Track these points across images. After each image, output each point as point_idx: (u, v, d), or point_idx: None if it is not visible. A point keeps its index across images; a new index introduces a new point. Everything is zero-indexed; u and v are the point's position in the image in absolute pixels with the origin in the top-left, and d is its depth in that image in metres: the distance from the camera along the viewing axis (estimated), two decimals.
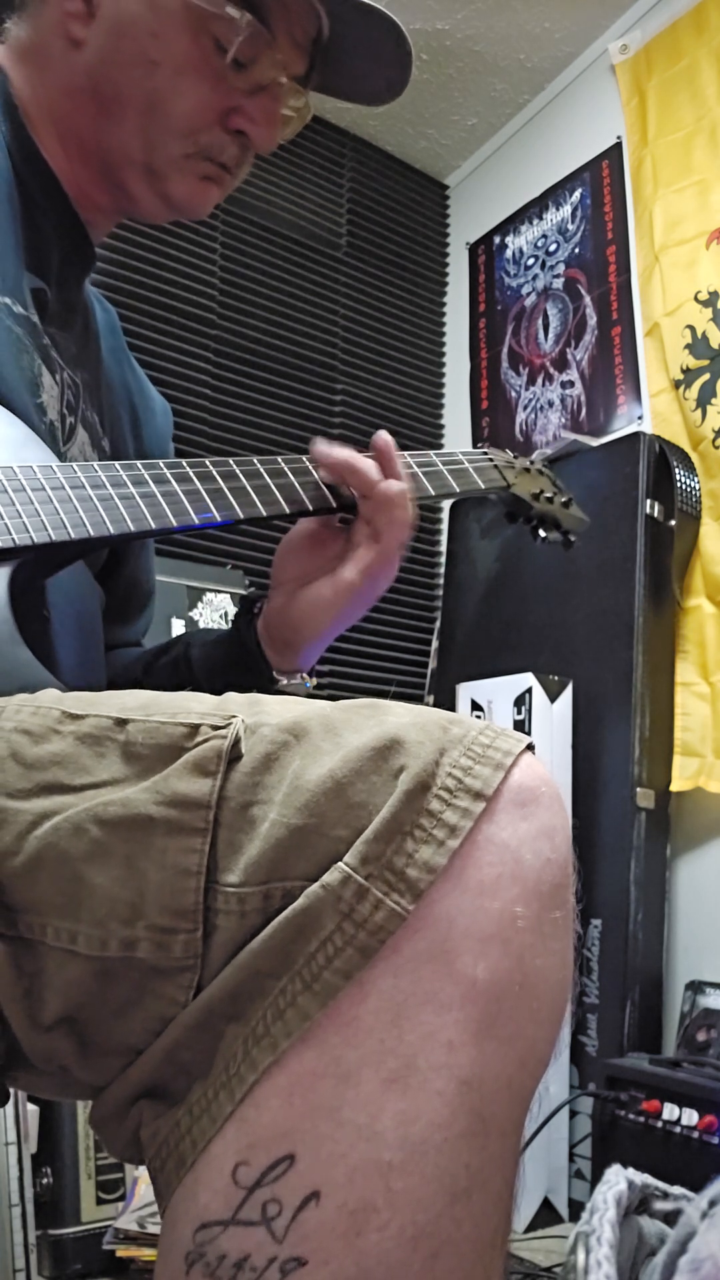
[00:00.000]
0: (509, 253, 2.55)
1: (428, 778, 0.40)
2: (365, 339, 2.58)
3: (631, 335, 2.15)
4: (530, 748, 0.44)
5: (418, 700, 2.37)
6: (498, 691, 1.77)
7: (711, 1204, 0.78)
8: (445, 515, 2.47)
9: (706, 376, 1.90)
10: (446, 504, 2.47)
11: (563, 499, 0.96)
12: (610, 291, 2.22)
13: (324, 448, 0.78)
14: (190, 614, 1.99)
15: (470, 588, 2.19)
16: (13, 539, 0.61)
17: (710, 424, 1.88)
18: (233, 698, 0.48)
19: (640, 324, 2.13)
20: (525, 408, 2.44)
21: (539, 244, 2.45)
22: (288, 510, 0.76)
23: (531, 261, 2.47)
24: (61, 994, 0.43)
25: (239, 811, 0.42)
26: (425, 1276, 0.37)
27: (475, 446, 1.78)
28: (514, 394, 2.48)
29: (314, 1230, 0.37)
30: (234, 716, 0.44)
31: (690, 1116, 1.31)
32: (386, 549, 0.77)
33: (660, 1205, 0.93)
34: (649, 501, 1.82)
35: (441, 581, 2.36)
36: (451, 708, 1.85)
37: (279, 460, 0.78)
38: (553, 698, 1.74)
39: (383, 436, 0.78)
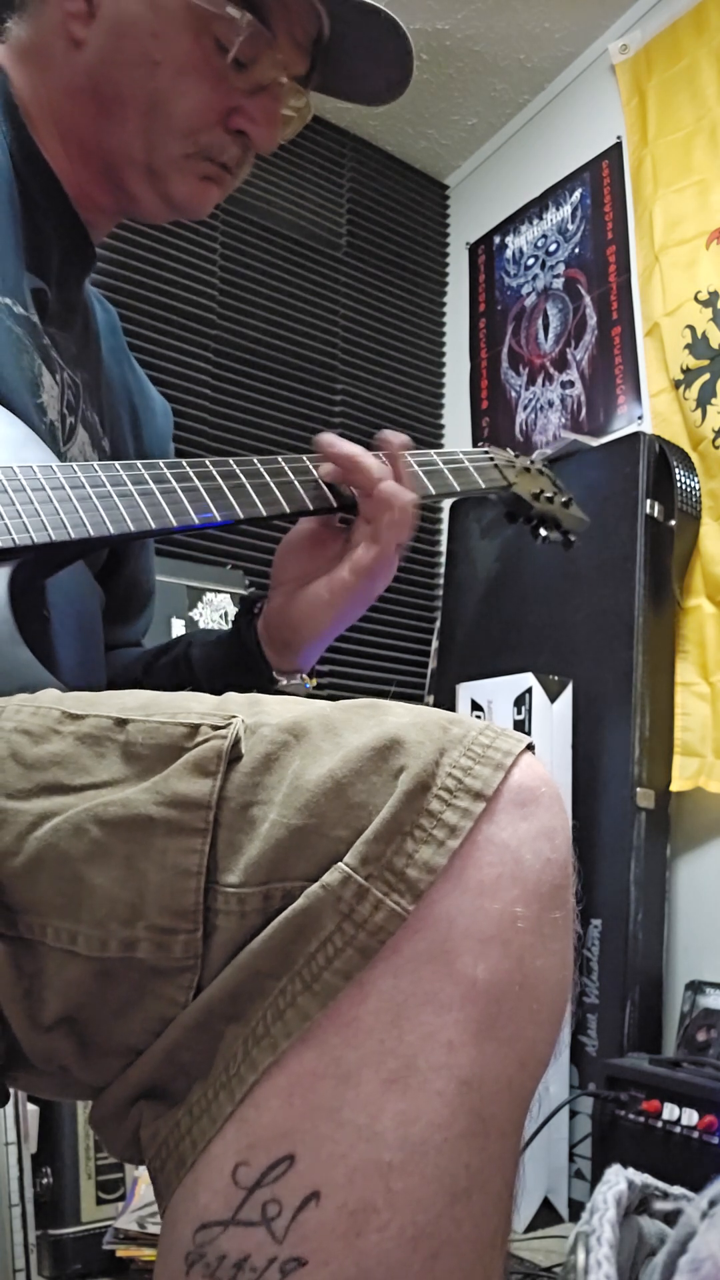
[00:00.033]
0: (509, 253, 2.55)
1: (428, 778, 0.40)
2: (365, 339, 2.58)
3: (631, 335, 2.15)
4: (530, 748, 0.44)
5: (418, 700, 2.37)
6: (498, 691, 1.77)
7: (711, 1204, 0.78)
8: (445, 515, 2.47)
9: (706, 376, 1.90)
10: (446, 504, 2.47)
11: (563, 499, 0.96)
12: (610, 291, 2.22)
13: (329, 438, 0.78)
14: (190, 614, 1.99)
15: (470, 588, 2.19)
16: (13, 539, 0.61)
17: (710, 424, 1.88)
18: (233, 698, 0.48)
19: (640, 324, 2.13)
20: (525, 408, 2.44)
21: (539, 244, 2.45)
22: (288, 510, 0.76)
23: (531, 261, 2.47)
24: (61, 994, 0.43)
25: (239, 812, 0.42)
26: (425, 1277, 0.37)
27: (475, 446, 1.78)
28: (514, 394, 2.48)
29: (314, 1230, 0.37)
30: (234, 716, 0.44)
31: (690, 1116, 1.31)
32: (385, 550, 0.77)
33: (660, 1205, 0.93)
34: (649, 501, 1.82)
35: (441, 581, 2.36)
36: (451, 708, 1.85)
37: (279, 460, 0.78)
38: (553, 698, 1.74)
39: (397, 437, 0.78)
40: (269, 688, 0.82)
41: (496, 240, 2.60)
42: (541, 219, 2.46)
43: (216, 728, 0.44)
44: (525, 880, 0.40)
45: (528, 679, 1.73)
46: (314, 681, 0.85)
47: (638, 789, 1.72)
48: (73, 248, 0.80)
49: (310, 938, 0.39)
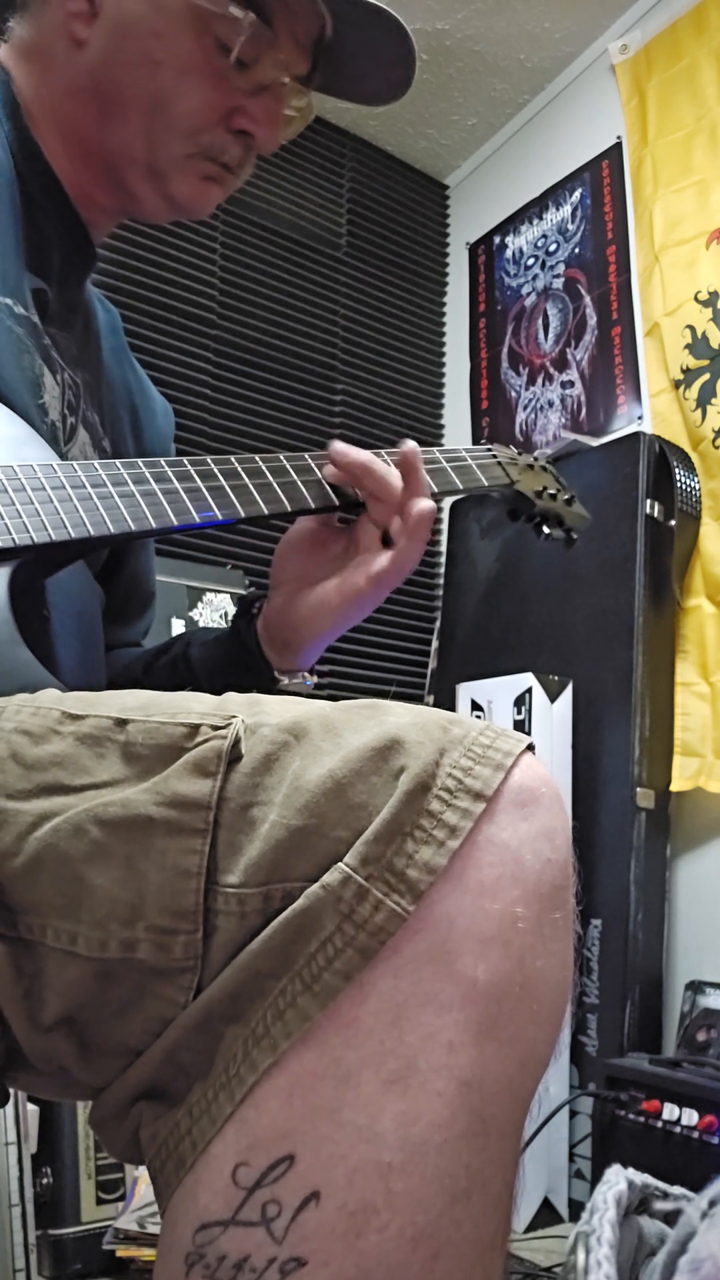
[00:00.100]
0: (509, 253, 2.55)
1: (428, 778, 0.40)
2: (365, 339, 2.58)
3: (631, 335, 2.15)
4: (530, 748, 0.44)
5: (418, 700, 2.37)
6: (498, 691, 1.77)
7: (711, 1204, 0.78)
8: (445, 515, 2.47)
9: (706, 376, 1.90)
10: (447, 503, 2.47)
11: (566, 496, 0.95)
12: (610, 291, 2.22)
13: (342, 447, 0.77)
14: (190, 614, 1.99)
15: (470, 588, 2.19)
16: (13, 539, 0.61)
17: (710, 424, 1.88)
18: (233, 698, 0.48)
19: (640, 324, 2.13)
20: (525, 408, 2.44)
21: (539, 244, 2.45)
22: (289, 508, 0.76)
23: (531, 261, 2.47)
24: (61, 995, 0.43)
25: (239, 812, 0.42)
26: (425, 1277, 0.37)
27: (477, 445, 1.78)
28: (514, 394, 2.48)
29: (314, 1231, 0.37)
30: (234, 717, 0.44)
31: (690, 1116, 1.31)
32: (403, 559, 0.77)
33: (660, 1205, 0.93)
34: (649, 501, 1.82)
35: (441, 581, 2.36)
36: (451, 708, 1.85)
37: (281, 458, 0.78)
38: (553, 698, 1.74)
39: (410, 446, 0.78)
40: (269, 687, 0.82)
41: (496, 240, 2.60)
42: (541, 219, 2.46)
43: (216, 728, 0.44)
44: (525, 881, 0.40)
45: (528, 679, 1.73)
46: (315, 680, 0.84)
47: (638, 789, 1.72)
48: (74, 248, 0.80)
49: (310, 938, 0.39)
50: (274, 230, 2.44)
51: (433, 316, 2.74)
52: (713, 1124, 1.28)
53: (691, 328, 1.94)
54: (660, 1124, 1.33)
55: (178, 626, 1.95)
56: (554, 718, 1.74)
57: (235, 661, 0.83)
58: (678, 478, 1.84)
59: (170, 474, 0.71)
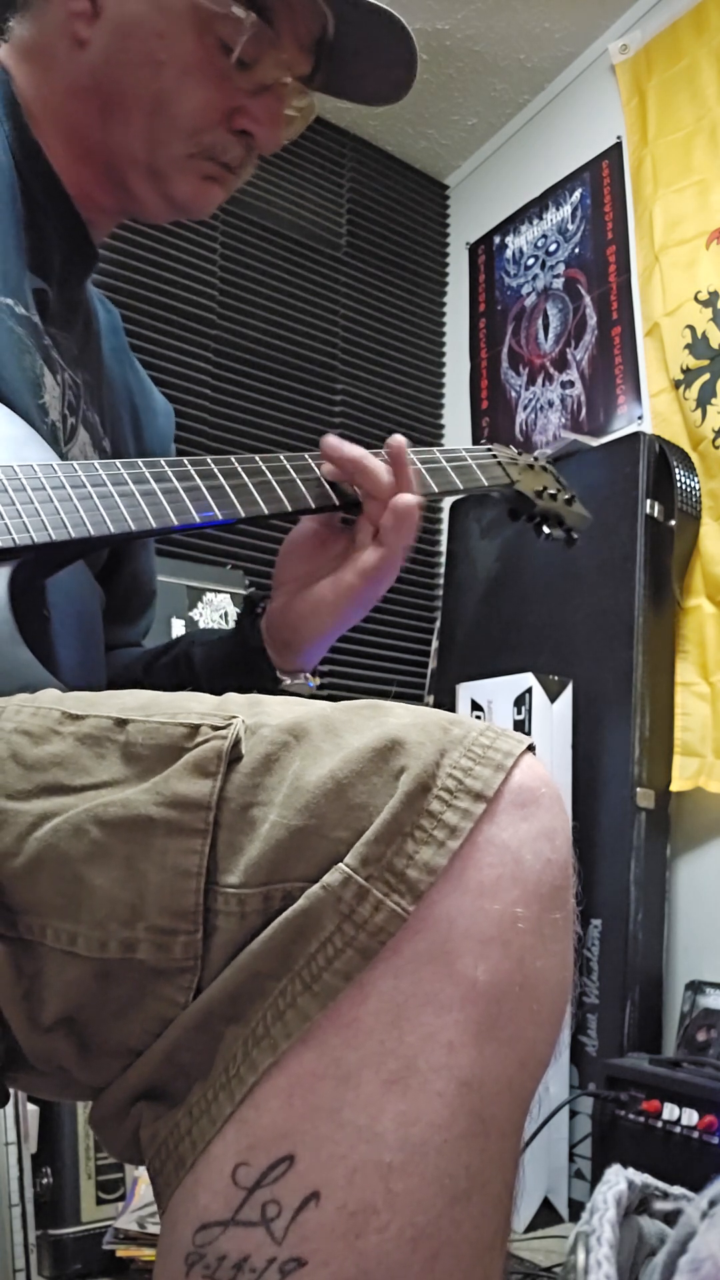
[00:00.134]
0: (509, 253, 2.55)
1: (428, 779, 0.40)
2: (365, 339, 2.58)
3: (631, 335, 2.15)
4: (531, 748, 0.44)
5: (418, 700, 2.37)
6: (498, 691, 1.77)
7: (711, 1204, 0.78)
8: (445, 515, 2.47)
9: (706, 376, 1.90)
10: (447, 503, 2.47)
11: (566, 496, 0.95)
12: (610, 291, 2.22)
13: (334, 442, 0.78)
14: (190, 614, 1.99)
15: (470, 588, 2.19)
16: (13, 539, 0.61)
17: (710, 424, 1.88)
18: (233, 698, 0.48)
19: (640, 324, 2.13)
20: (525, 408, 2.44)
21: (539, 244, 2.45)
22: (289, 508, 0.76)
23: (531, 261, 2.47)
24: (61, 995, 0.43)
25: (239, 812, 0.42)
26: (425, 1277, 0.37)
27: (477, 445, 1.78)
28: (514, 394, 2.47)
29: (314, 1231, 0.37)
30: (234, 717, 0.44)
31: (690, 1116, 1.31)
32: (390, 554, 0.77)
33: (660, 1205, 0.93)
34: (649, 501, 1.82)
35: (441, 581, 2.36)
36: (451, 708, 1.85)
37: (281, 457, 0.78)
38: (553, 698, 1.74)
39: (397, 441, 0.78)
40: (271, 687, 0.82)
41: (496, 240, 2.60)
42: (541, 219, 2.46)
43: (217, 728, 0.44)
44: (525, 881, 0.40)
45: (528, 679, 1.73)
46: (318, 681, 0.84)
47: (638, 789, 1.72)
48: (74, 248, 0.80)
49: (310, 938, 0.39)
50: (274, 230, 2.44)
51: (433, 316, 2.74)
52: (713, 1124, 1.28)
53: (691, 328, 1.94)
54: (660, 1124, 1.33)
55: (178, 626, 1.95)
56: (554, 718, 1.74)
57: (237, 662, 0.83)
58: (678, 478, 1.84)
59: (170, 474, 0.71)
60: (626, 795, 1.72)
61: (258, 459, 0.76)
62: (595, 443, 2.03)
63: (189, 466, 0.72)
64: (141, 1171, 1.41)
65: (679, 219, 2.01)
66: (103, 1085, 0.45)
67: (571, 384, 2.30)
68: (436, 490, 0.84)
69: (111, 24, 0.74)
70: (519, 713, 1.73)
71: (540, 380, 2.40)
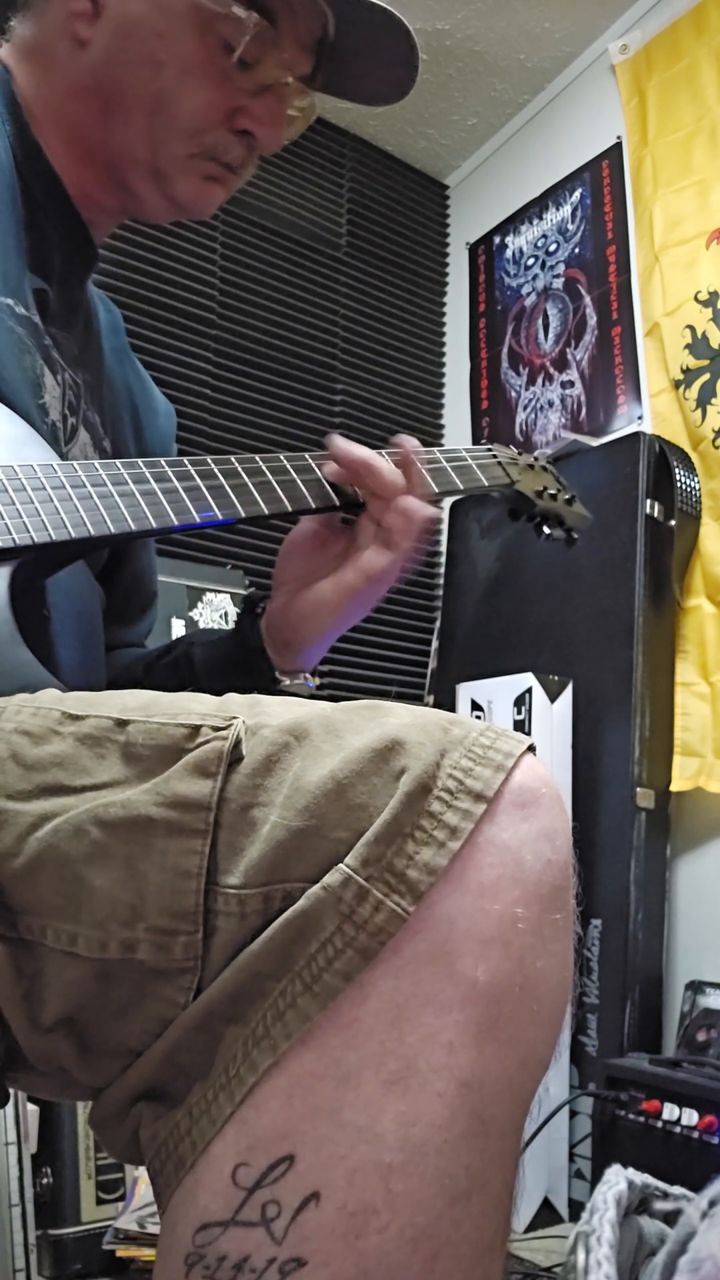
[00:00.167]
0: (509, 253, 2.55)
1: (428, 779, 0.40)
2: (365, 339, 2.58)
3: (631, 335, 2.15)
4: (531, 749, 0.44)
5: (418, 700, 2.37)
6: (498, 691, 1.77)
7: (711, 1204, 0.78)
8: (445, 515, 2.47)
9: (706, 376, 1.90)
10: (447, 503, 2.47)
11: (566, 496, 0.95)
12: (610, 291, 2.22)
13: (342, 444, 0.78)
14: (190, 614, 1.99)
15: (470, 588, 2.19)
16: (13, 539, 0.61)
17: (710, 424, 1.88)
18: (233, 698, 0.48)
19: (640, 324, 2.13)
20: (525, 408, 2.44)
21: (539, 244, 2.45)
22: (290, 508, 0.76)
23: (531, 261, 2.47)
24: (61, 995, 0.43)
25: (239, 813, 0.42)
26: (425, 1278, 0.37)
27: (477, 445, 1.78)
28: (514, 394, 2.47)
29: (313, 1231, 0.37)
30: (235, 718, 0.44)
31: (690, 1116, 1.31)
32: (397, 556, 0.77)
33: (660, 1205, 0.92)
34: (649, 501, 1.82)
35: (441, 581, 2.36)
36: (451, 708, 1.85)
37: (281, 457, 0.78)
38: (553, 698, 1.74)
39: (408, 443, 0.78)
40: (271, 688, 0.82)
41: (496, 240, 2.60)
42: (541, 219, 2.46)
43: (217, 729, 0.44)
44: (526, 881, 0.40)
45: (528, 679, 1.73)
46: (317, 681, 0.84)
47: (638, 789, 1.72)
48: (75, 248, 0.80)
49: (310, 939, 0.39)
50: (274, 230, 2.44)
51: (433, 316, 2.74)
52: (713, 1124, 1.28)
53: (691, 328, 1.94)
54: (660, 1124, 1.33)
55: (178, 626, 1.95)
56: (554, 718, 1.74)
57: (237, 662, 0.83)
58: (678, 478, 1.84)
59: (170, 474, 0.71)
60: (626, 795, 1.72)
61: (258, 459, 0.76)
62: (595, 443, 2.03)
63: (189, 466, 0.72)
64: (141, 1171, 1.41)
65: (679, 219, 2.01)
66: (103, 1085, 0.45)
67: (571, 384, 2.30)
68: (437, 490, 0.84)
69: (112, 24, 0.74)
70: (519, 713, 1.73)
71: (540, 380, 2.40)
